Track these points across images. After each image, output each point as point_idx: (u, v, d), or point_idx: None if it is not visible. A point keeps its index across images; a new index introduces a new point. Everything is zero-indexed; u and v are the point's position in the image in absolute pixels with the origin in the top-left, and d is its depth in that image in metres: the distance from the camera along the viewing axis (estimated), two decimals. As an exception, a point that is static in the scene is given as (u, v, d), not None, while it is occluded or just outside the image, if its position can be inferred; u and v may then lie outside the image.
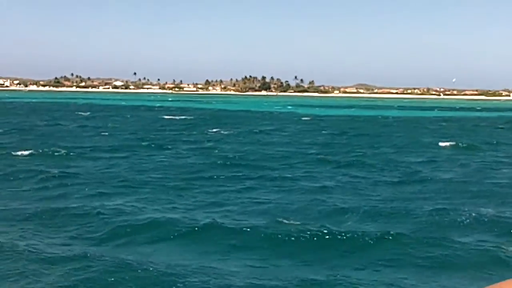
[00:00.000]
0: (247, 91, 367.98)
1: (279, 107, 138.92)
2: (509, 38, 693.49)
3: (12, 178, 23.70)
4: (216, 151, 36.36)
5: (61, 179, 23.47)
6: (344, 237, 14.98)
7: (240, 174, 26.05)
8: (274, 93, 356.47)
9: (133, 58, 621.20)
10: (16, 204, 18.55)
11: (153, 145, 38.60)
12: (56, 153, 31.93)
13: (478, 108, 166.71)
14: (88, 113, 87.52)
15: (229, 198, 20.33)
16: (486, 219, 17.41)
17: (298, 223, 16.79)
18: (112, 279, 11.67)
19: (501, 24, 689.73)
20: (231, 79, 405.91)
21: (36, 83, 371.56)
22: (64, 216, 16.93)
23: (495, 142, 46.28)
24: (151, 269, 12.27)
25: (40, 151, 32.35)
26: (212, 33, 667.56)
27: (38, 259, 12.80)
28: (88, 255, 13.15)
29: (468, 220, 17.29)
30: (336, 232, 15.29)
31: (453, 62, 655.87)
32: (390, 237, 14.99)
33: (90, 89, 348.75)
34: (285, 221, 16.93)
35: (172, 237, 15.13)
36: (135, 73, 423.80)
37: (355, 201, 20.13)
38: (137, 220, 16.52)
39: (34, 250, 13.48)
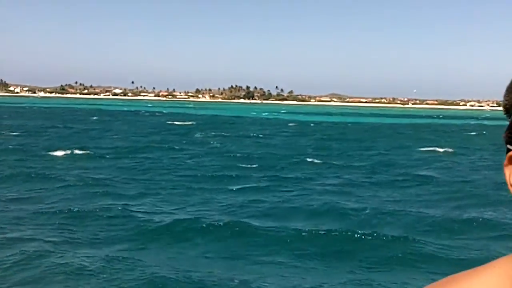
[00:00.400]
0: (233, 99, 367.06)
1: (266, 114, 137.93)
2: (463, 53, 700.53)
3: (52, 177, 22.54)
4: (224, 152, 35.63)
5: (97, 180, 22.19)
6: (370, 239, 14.33)
7: (257, 175, 25.13)
8: (259, 101, 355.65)
9: (131, 67, 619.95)
10: (62, 202, 17.57)
11: (166, 147, 37.63)
12: (85, 154, 31.09)
13: (441, 116, 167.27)
14: (95, 117, 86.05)
15: (253, 197, 19.43)
16: (488, 220, 16.84)
17: (323, 221, 16.24)
18: (155, 279, 10.81)
19: (457, 40, 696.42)
20: (219, 88, 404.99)
21: (44, 90, 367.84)
22: (103, 214, 16.00)
23: (470, 147, 45.80)
24: (193, 269, 11.44)
25: (74, 152, 31.32)
26: (201, 45, 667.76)
27: (82, 258, 11.95)
28: (129, 254, 12.37)
29: (471, 219, 16.76)
30: (362, 233, 14.59)
31: (414, 74, 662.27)
32: (412, 239, 14.34)
33: (92, 96, 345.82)
34: (311, 221, 16.35)
35: (211, 237, 14.12)
36: (132, 82, 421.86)
37: (367, 201, 19.51)
38: (174, 220, 15.52)
39: (77, 250, 12.66)
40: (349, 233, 14.57)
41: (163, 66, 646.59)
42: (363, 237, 14.28)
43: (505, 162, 0.84)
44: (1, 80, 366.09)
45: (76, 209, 16.50)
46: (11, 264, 11.38)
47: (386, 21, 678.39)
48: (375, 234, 14.46)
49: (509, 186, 0.82)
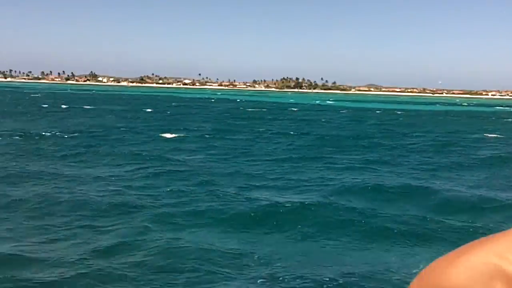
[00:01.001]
0: (284, 88, 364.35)
1: (318, 101, 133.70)
2: (481, 48, 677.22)
3: (167, 157, 21.29)
4: (304, 134, 34.37)
5: (208, 161, 21.07)
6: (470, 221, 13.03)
7: (343, 156, 23.60)
8: (306, 91, 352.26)
9: (198, 61, 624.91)
10: (178, 182, 16.09)
11: (253, 130, 36.48)
12: (187, 136, 30.28)
13: (472, 104, 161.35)
14: (174, 103, 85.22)
15: (356, 177, 17.77)
16: None
17: (422, 202, 14.98)
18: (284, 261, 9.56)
19: (479, 36, 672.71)
20: (272, 79, 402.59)
21: (126, 80, 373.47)
22: (224, 195, 14.49)
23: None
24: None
25: (179, 134, 30.66)
26: (257, 42, 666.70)
27: (203, 239, 10.71)
28: (250, 237, 11.03)
29: None
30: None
31: (438, 66, 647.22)
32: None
33: (166, 85, 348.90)
34: (414, 203, 15.09)
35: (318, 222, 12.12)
36: (199, 74, 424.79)
37: (457, 182, 18.01)
38: (298, 202, 13.71)
39: (194, 232, 11.24)
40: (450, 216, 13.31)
41: (225, 60, 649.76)
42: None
43: None
44: (92, 71, 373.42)
45: (192, 190, 15.02)
46: (122, 243, 10.05)
47: (410, 20, 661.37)
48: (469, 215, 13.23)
49: None
